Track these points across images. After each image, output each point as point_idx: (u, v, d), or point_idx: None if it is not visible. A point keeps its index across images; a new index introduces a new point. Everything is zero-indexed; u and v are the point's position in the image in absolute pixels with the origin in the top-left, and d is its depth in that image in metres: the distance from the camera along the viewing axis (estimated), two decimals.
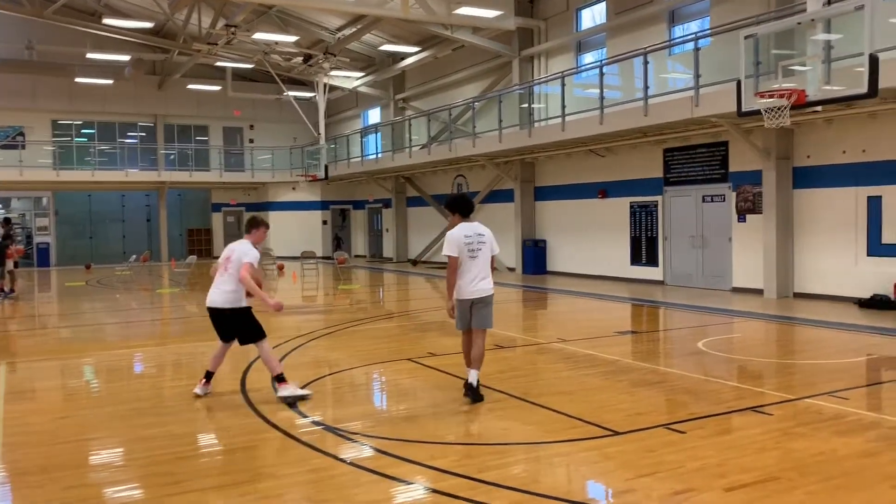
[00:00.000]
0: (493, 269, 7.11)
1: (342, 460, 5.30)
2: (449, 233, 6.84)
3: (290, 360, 9.07)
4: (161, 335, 12.55)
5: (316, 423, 6.26)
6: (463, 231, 6.82)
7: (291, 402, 6.82)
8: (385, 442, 5.67)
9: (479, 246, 6.85)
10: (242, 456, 5.55)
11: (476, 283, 6.85)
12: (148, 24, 25.24)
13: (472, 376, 6.84)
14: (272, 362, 7.13)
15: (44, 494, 4.74)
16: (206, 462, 5.46)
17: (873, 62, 9.09)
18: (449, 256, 6.79)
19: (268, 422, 6.30)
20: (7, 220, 18.28)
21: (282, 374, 7.05)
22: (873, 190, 12.98)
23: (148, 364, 9.85)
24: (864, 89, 9.23)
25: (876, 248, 12.98)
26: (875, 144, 12.94)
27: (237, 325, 7.14)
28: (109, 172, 29.37)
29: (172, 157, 31.62)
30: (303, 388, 7.31)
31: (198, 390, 7.27)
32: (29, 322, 14.35)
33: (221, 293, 7.09)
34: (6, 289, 17.60)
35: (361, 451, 5.55)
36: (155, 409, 6.95)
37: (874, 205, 12.99)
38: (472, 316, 6.91)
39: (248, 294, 7.07)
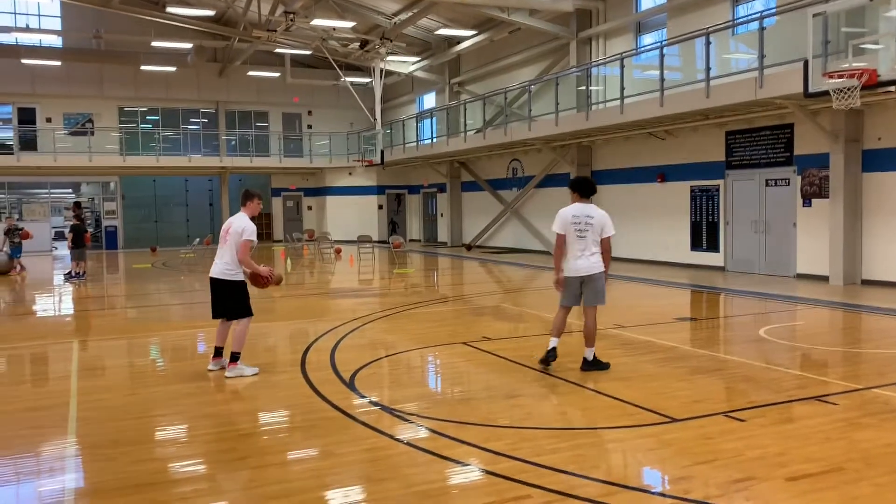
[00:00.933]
0: (605, 251, 7.30)
1: (399, 440, 5.38)
2: (559, 211, 7.30)
3: (347, 342, 9.22)
4: None
5: (373, 404, 6.37)
6: (572, 211, 7.23)
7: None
8: (441, 423, 5.73)
9: (587, 227, 7.16)
10: (302, 434, 5.69)
11: (575, 260, 7.21)
12: (210, 13, 25.80)
13: (588, 353, 7.32)
14: (241, 339, 7.48)
15: (114, 467, 4.95)
16: (268, 439, 5.62)
17: None
18: (556, 233, 7.26)
19: (327, 401, 6.43)
20: (77, 205, 18.98)
21: (240, 353, 7.46)
22: None
23: (210, 343, 10.13)
24: None
25: None
26: None
27: (230, 297, 7.45)
28: (173, 158, 30.21)
29: (233, 142, 32.31)
30: (358, 370, 7.42)
31: (211, 366, 7.68)
32: (98, 302, 14.92)
33: (219, 265, 7.49)
34: (82, 271, 18.33)
35: (417, 432, 5.62)
36: (217, 387, 7.17)
37: None
38: (582, 293, 7.29)
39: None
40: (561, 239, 7.25)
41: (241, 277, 7.46)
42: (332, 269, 20.91)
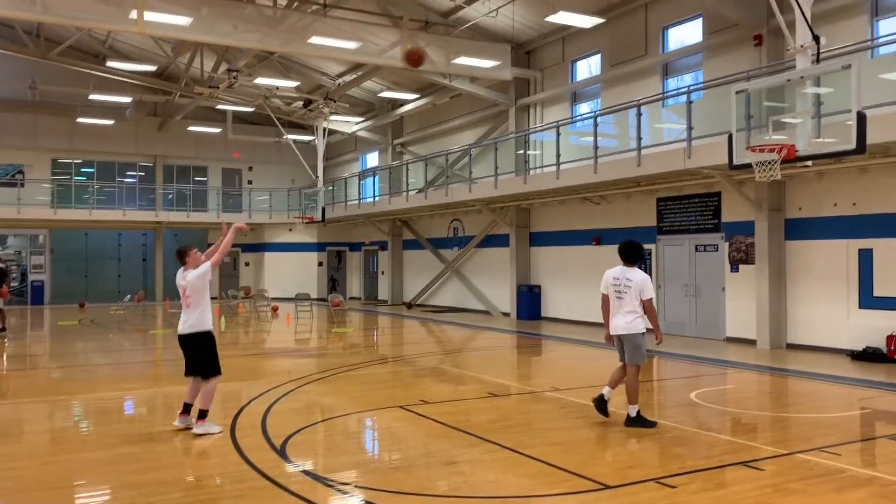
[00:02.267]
0: (647, 311, 7.91)
1: None
2: (605, 272, 8.14)
3: (280, 405, 9.02)
4: (153, 377, 12.49)
5: (306, 473, 6.22)
6: (613, 273, 8.04)
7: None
8: (376, 493, 5.63)
9: (625, 289, 7.87)
10: None
11: (614, 318, 7.94)
12: (151, 67, 25.65)
13: (631, 410, 7.79)
14: (210, 396, 7.55)
15: None
16: None
17: (861, 119, 9.27)
18: (601, 293, 8.09)
19: (256, 469, 6.25)
20: None
21: (208, 411, 7.49)
22: (864, 243, 13.10)
23: (139, 407, 9.78)
24: (852, 145, 9.39)
25: (868, 300, 13.05)
26: (866, 198, 13.12)
27: (201, 351, 7.52)
28: (107, 211, 29.46)
29: (170, 197, 31.79)
30: (291, 435, 7.26)
31: (177, 423, 7.65)
32: (19, 362, 14.25)
33: (187, 324, 7.63)
34: (1, 326, 17.56)
35: (351, 503, 5.50)
36: (144, 454, 6.89)
37: (865, 257, 13.10)
38: (623, 350, 7.93)
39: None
40: (605, 298, 8.05)
41: (209, 328, 7.59)
42: (268, 327, 20.54)
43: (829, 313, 13.63)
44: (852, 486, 5.77)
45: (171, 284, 33.06)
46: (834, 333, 13.52)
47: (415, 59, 7.33)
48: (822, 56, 9.99)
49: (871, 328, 12.84)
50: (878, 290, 12.88)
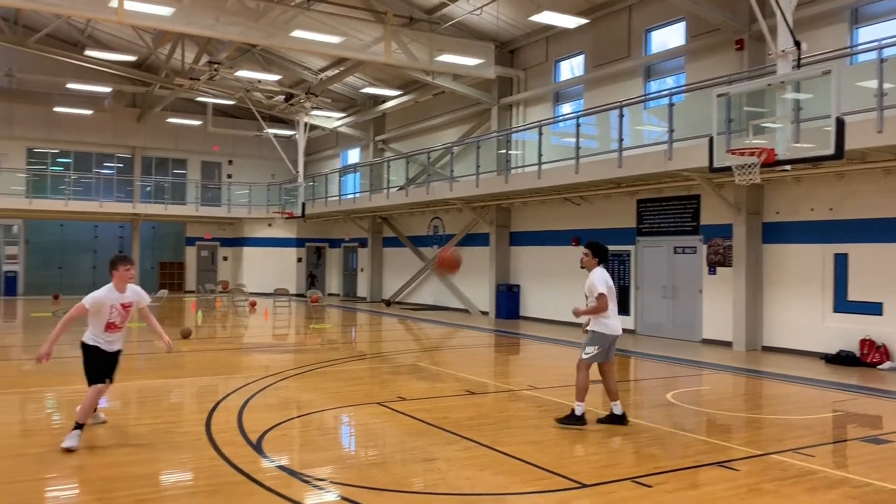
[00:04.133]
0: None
1: None
2: (601, 273, 7.78)
3: (257, 401, 8.95)
4: (127, 370, 12.29)
5: (281, 468, 6.17)
6: (607, 274, 7.84)
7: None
8: (352, 489, 5.60)
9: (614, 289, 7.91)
10: (204, 500, 5.44)
11: (618, 320, 7.88)
12: (131, 58, 25.34)
13: (618, 408, 7.89)
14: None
15: None
16: None
17: (840, 125, 9.37)
18: (602, 294, 7.66)
19: (231, 464, 6.18)
20: None
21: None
22: (840, 247, 13.27)
23: (111, 400, 9.65)
24: (831, 150, 9.48)
25: (842, 304, 13.22)
26: (842, 203, 13.28)
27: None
28: (83, 202, 29.07)
29: (148, 189, 31.44)
30: (267, 431, 7.19)
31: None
32: None
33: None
34: None
35: (327, 499, 5.47)
36: (117, 447, 6.80)
37: (840, 262, 13.26)
38: (609, 350, 7.89)
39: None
40: (605, 299, 7.70)
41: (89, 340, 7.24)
42: (245, 322, 20.38)
43: (805, 317, 13.78)
44: (825, 487, 5.83)
45: (148, 278, 32.80)
46: (809, 337, 13.68)
47: (450, 264, 7.03)
48: (802, 62, 10.08)
49: (845, 332, 13.00)
50: (853, 295, 13.05)
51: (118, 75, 26.88)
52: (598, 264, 7.89)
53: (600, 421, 7.89)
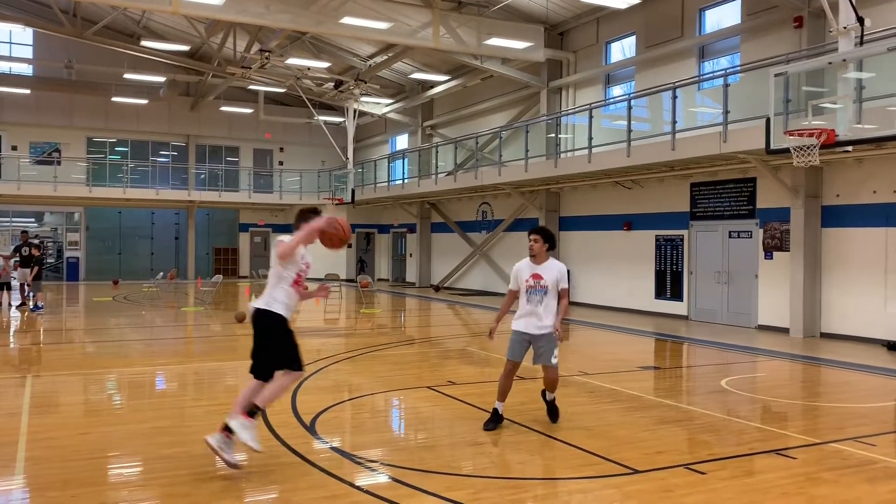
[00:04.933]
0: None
1: (358, 488, 5.29)
2: (560, 264, 7.05)
3: (309, 384, 9.10)
4: (184, 353, 12.67)
5: (334, 449, 6.27)
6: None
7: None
8: (402, 471, 5.65)
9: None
10: (259, 480, 5.56)
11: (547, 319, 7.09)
12: (184, 47, 25.85)
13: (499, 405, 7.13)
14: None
15: None
16: (224, 484, 5.48)
17: None
18: (566, 289, 7.01)
19: (286, 445, 6.31)
20: (24, 232, 18.81)
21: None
22: None
23: (170, 382, 9.94)
24: (894, 131, 9.15)
25: None
26: None
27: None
28: (140, 190, 29.91)
29: (203, 176, 32.14)
30: (319, 413, 7.28)
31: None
32: (55, 336, 14.55)
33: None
34: (40, 303, 18.00)
35: (378, 480, 5.54)
36: (175, 428, 7.00)
37: None
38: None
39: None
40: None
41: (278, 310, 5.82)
42: (297, 307, 20.69)
43: (866, 302, 13.36)
44: (886, 478, 5.66)
45: (203, 263, 33.63)
46: (870, 323, 13.26)
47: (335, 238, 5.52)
48: (865, 38, 9.71)
49: None
50: None
51: (172, 65, 27.44)
52: (549, 251, 7.00)
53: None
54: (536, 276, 6.86)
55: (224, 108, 30.87)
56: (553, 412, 7.30)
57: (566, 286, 6.97)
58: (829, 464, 6.00)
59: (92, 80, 29.12)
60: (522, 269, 7.00)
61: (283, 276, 5.84)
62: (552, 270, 6.91)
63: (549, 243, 6.99)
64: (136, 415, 7.64)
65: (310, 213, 5.93)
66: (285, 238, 5.74)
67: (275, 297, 5.81)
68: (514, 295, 7.09)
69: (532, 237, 6.98)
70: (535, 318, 6.89)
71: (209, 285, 21.81)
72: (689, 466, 5.82)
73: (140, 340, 14.06)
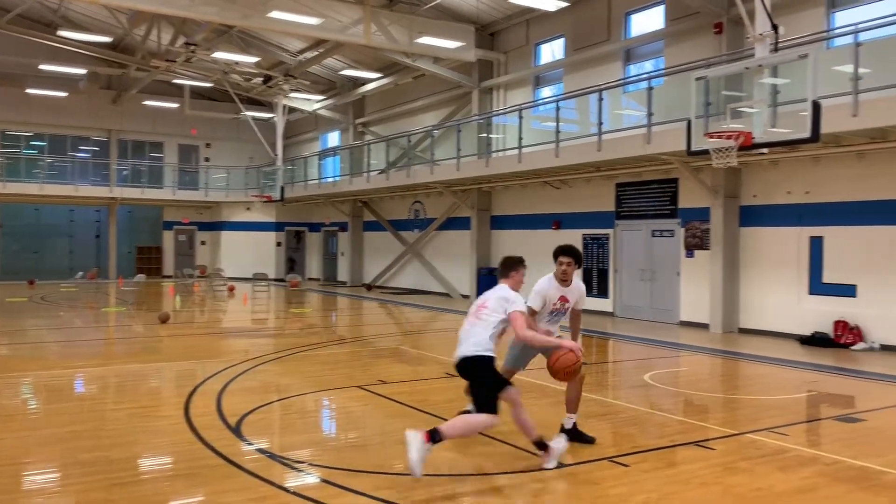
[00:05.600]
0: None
1: (286, 489, 5.23)
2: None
3: (236, 385, 8.92)
4: (104, 355, 12.23)
5: (261, 451, 6.17)
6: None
7: None
8: (331, 471, 5.61)
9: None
10: (183, 484, 5.43)
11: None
12: (106, 39, 24.93)
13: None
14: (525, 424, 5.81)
15: None
16: (146, 489, 5.32)
17: (816, 108, 9.47)
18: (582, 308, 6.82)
19: (211, 448, 6.17)
20: None
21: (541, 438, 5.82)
22: (816, 230, 13.43)
23: (89, 385, 9.58)
24: (807, 134, 9.59)
25: (817, 286, 13.40)
26: (818, 186, 13.42)
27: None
28: (59, 186, 28.71)
29: (125, 172, 31.08)
30: (246, 414, 7.18)
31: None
32: None
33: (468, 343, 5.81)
34: None
35: (306, 481, 5.48)
36: (94, 432, 6.76)
37: (816, 245, 13.43)
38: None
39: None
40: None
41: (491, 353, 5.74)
42: (224, 307, 20.28)
43: (781, 299, 13.96)
44: (797, 465, 5.93)
45: (125, 262, 32.50)
46: (784, 318, 13.86)
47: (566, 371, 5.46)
48: (779, 46, 10.15)
49: (820, 314, 13.19)
50: (828, 277, 13.23)
51: (93, 57, 26.44)
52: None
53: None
54: (564, 300, 6.56)
55: (148, 103, 29.96)
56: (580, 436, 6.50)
57: (583, 306, 6.77)
58: (745, 454, 6.25)
59: (6, 71, 27.79)
60: (551, 292, 6.56)
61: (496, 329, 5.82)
62: (576, 292, 6.64)
63: (578, 264, 6.68)
64: (52, 419, 7.35)
65: (517, 264, 6.22)
66: (520, 316, 5.77)
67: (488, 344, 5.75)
68: (535, 314, 6.55)
69: (564, 260, 6.58)
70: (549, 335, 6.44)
71: (131, 285, 21.14)
72: (614, 459, 5.97)
73: (58, 342, 13.51)
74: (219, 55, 23.08)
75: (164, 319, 15.53)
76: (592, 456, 6.06)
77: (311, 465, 5.83)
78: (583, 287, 6.85)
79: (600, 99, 15.28)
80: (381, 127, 27.45)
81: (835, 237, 13.14)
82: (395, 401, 8.14)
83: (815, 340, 12.99)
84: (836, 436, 7.06)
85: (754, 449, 6.39)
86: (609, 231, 17.65)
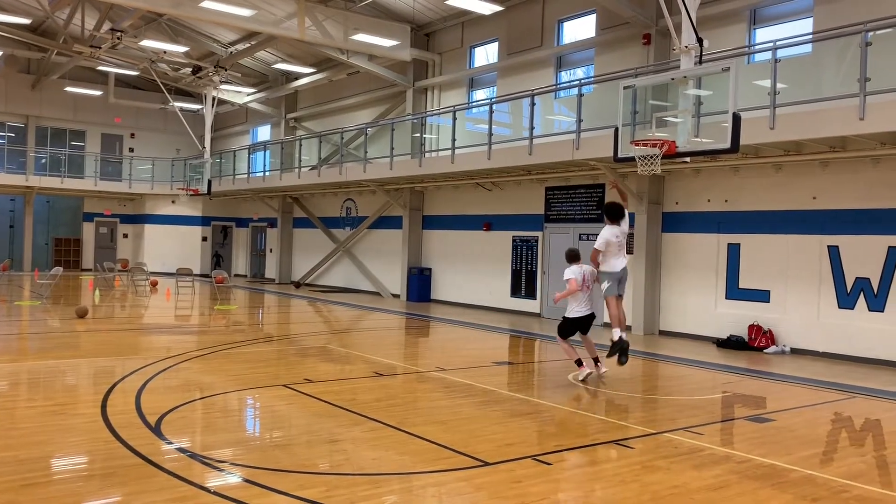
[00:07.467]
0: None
1: (206, 490, 5.13)
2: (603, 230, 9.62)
3: (156, 382, 8.69)
4: (17, 350, 11.71)
5: (181, 450, 6.03)
6: (614, 231, 9.70)
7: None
8: (254, 471, 5.54)
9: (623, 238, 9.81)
10: (99, 483, 5.27)
11: (618, 261, 9.89)
12: (25, 20, 23.83)
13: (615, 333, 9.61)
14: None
15: None
16: (59, 489, 5.14)
17: (736, 120, 9.83)
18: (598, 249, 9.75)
19: (128, 447, 6.00)
20: None
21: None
22: (733, 238, 13.98)
23: (2, 380, 9.16)
24: (727, 144, 9.94)
25: (734, 291, 13.95)
26: (736, 196, 13.97)
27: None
28: None
29: (44, 161, 29.77)
30: (166, 413, 7.01)
31: (604, 369, 9.97)
32: None
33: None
34: None
35: (228, 480, 5.39)
36: (4, 431, 6.47)
37: (733, 251, 13.98)
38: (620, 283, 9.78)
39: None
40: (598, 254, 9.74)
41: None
42: (146, 302, 19.69)
43: (699, 303, 14.47)
44: (711, 463, 6.17)
45: (41, 254, 31.19)
46: (702, 322, 14.37)
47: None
48: (704, 58, 10.50)
49: (736, 317, 13.73)
50: (744, 283, 13.79)
51: (10, 38, 25.21)
52: (611, 222, 9.84)
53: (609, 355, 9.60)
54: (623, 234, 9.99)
55: (69, 89, 28.80)
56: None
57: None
58: (662, 452, 6.46)
59: None
60: (612, 240, 9.88)
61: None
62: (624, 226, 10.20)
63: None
64: None
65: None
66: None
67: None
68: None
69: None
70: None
71: (48, 278, 20.28)
72: (537, 458, 6.08)
73: None
74: (147, 43, 22.37)
75: (81, 314, 14.97)
76: (516, 454, 6.16)
77: (233, 464, 5.73)
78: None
79: (532, 104, 15.52)
80: (313, 122, 27.15)
81: (751, 244, 13.70)
82: (321, 400, 8.08)
83: (730, 343, 13.52)
84: (748, 435, 7.37)
85: (672, 448, 6.61)
86: (538, 233, 17.93)
